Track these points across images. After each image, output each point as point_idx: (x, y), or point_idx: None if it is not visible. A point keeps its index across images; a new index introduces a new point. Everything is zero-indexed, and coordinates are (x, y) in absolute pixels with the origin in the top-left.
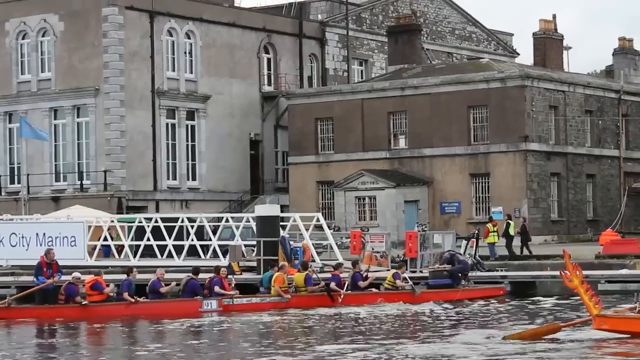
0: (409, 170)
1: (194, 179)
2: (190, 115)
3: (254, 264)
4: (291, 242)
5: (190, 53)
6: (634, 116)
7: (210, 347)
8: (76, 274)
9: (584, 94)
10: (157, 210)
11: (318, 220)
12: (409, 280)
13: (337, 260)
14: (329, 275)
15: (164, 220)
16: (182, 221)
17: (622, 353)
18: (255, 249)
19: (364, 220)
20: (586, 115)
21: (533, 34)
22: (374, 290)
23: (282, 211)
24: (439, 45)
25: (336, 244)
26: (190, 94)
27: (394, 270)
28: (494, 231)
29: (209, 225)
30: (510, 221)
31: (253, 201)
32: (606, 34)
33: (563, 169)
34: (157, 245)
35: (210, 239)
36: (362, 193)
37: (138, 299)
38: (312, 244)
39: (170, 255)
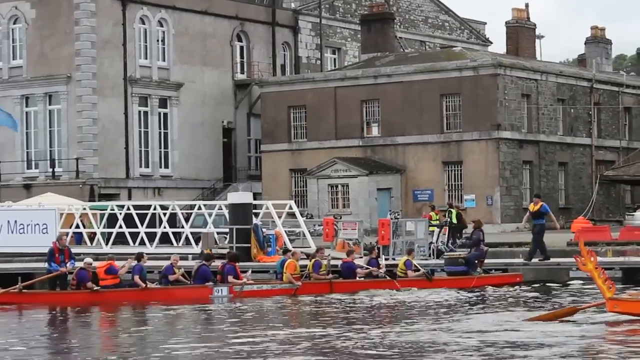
0: (381, 158)
1: (166, 166)
2: (163, 103)
3: (227, 251)
4: (264, 230)
5: (163, 41)
6: (605, 105)
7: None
8: (88, 260)
9: (556, 83)
10: (130, 198)
11: (291, 207)
12: (420, 268)
13: (310, 247)
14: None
15: (136, 207)
16: (155, 209)
17: (632, 331)
18: (227, 237)
19: (337, 207)
20: (558, 104)
21: (506, 22)
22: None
23: (254, 199)
24: (412, 33)
25: (309, 231)
26: (163, 82)
27: (405, 258)
28: (436, 219)
29: (182, 213)
30: (452, 209)
31: (226, 189)
32: (578, 23)
33: (535, 157)
34: (129, 233)
35: (182, 227)
36: (334, 181)
37: (150, 284)
38: (285, 232)
39: (142, 243)
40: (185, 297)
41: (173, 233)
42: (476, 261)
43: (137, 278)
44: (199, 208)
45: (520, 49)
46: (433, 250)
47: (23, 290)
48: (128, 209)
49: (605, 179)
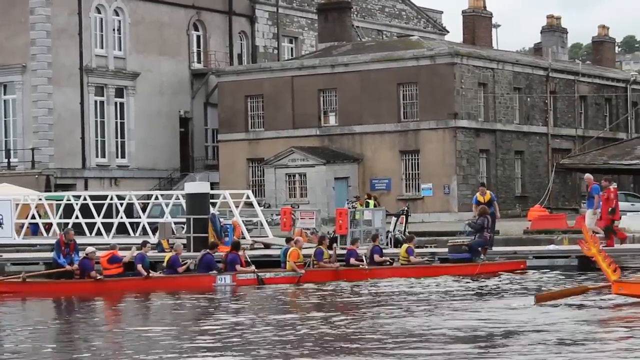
0: (339, 147)
1: (123, 156)
2: (119, 92)
3: (184, 241)
4: (221, 220)
5: (119, 30)
6: (561, 93)
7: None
8: (90, 248)
9: (513, 72)
10: (86, 188)
11: (248, 197)
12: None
13: (267, 237)
14: (344, 251)
15: (92, 198)
16: (111, 199)
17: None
18: (185, 227)
19: (294, 197)
20: (515, 93)
21: (462, 11)
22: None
23: (212, 188)
24: (369, 22)
25: (266, 221)
26: (119, 72)
27: (406, 245)
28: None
29: (138, 203)
30: (369, 200)
31: (183, 179)
32: (535, 12)
33: (492, 145)
34: (85, 223)
35: (139, 217)
36: (292, 170)
37: (153, 272)
38: (242, 221)
39: (99, 233)
40: (189, 285)
41: (130, 223)
42: (480, 248)
43: (139, 267)
44: (156, 198)
45: (476, 38)
46: (390, 239)
47: (27, 280)
48: (84, 199)
49: (561, 168)
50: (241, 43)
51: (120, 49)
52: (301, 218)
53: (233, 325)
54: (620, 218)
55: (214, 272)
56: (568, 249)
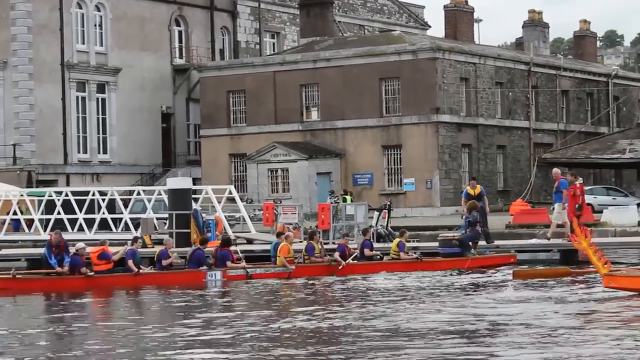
0: (321, 143)
1: (104, 152)
2: (101, 88)
3: (167, 237)
4: (203, 215)
5: (100, 25)
6: (543, 88)
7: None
8: (80, 245)
9: (495, 66)
10: (68, 184)
11: (230, 192)
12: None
13: (250, 232)
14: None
15: (74, 193)
16: (93, 194)
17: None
18: (167, 222)
19: (277, 192)
20: (496, 87)
21: (444, 6)
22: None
23: (194, 184)
24: (351, 17)
25: (249, 216)
26: (101, 67)
27: (398, 240)
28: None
29: (121, 199)
30: (346, 196)
31: (165, 174)
32: (516, 7)
33: (474, 140)
34: (67, 219)
35: (121, 213)
36: (274, 165)
37: (144, 268)
38: (225, 217)
39: (81, 229)
40: (179, 281)
41: (112, 219)
42: (470, 242)
43: (130, 262)
44: (138, 194)
45: (458, 33)
46: (373, 234)
47: (17, 276)
48: (66, 195)
49: (543, 162)
50: (223, 38)
51: (101, 45)
52: (283, 213)
53: (212, 321)
54: (586, 213)
55: (204, 267)
56: (550, 242)
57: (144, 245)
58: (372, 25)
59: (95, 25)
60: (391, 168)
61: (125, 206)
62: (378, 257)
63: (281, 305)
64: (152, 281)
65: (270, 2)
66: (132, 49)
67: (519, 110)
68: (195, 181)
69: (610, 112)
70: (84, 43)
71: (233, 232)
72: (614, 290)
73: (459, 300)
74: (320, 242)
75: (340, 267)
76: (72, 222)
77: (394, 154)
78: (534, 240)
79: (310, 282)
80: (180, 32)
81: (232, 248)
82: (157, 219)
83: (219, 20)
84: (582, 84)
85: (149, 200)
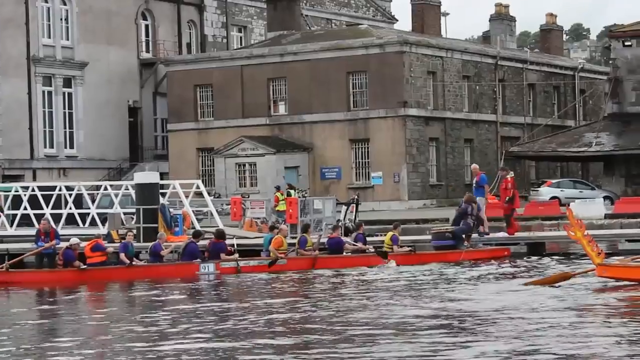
0: (289, 137)
1: (71, 147)
2: (67, 82)
3: (134, 231)
4: (171, 210)
5: (67, 19)
6: (510, 81)
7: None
8: (74, 239)
9: (462, 60)
10: (35, 179)
11: (198, 187)
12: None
13: (218, 226)
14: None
15: (41, 189)
16: (60, 190)
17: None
18: (134, 217)
19: (244, 186)
20: (464, 81)
21: (411, 0)
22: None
23: (161, 178)
24: (318, 11)
25: (216, 210)
26: (67, 61)
27: (391, 233)
28: (283, 200)
29: (88, 194)
30: (290, 190)
31: (132, 169)
32: (483, 1)
33: (441, 133)
34: (34, 214)
35: (88, 208)
36: (242, 160)
37: (138, 261)
38: (192, 211)
39: None
40: (172, 274)
41: (79, 214)
42: (463, 235)
43: (122, 255)
44: (105, 188)
45: (425, 27)
46: (341, 227)
47: (10, 270)
48: (33, 190)
49: (511, 155)
50: (190, 32)
51: (67, 39)
52: (251, 207)
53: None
54: (519, 206)
55: (198, 260)
56: (517, 236)
57: (111, 241)
58: (339, 19)
59: (61, 19)
60: (359, 162)
61: (93, 201)
62: (370, 250)
63: (239, 298)
64: (145, 274)
65: None
66: (98, 43)
67: (486, 104)
68: (162, 176)
69: (577, 106)
70: (50, 37)
71: (201, 226)
72: (606, 279)
73: (451, 292)
74: (319, 236)
75: (315, 255)
76: (39, 217)
77: (362, 148)
78: (501, 234)
79: (301, 275)
80: (147, 26)
81: (228, 242)
82: (125, 213)
83: (186, 14)
84: (549, 77)
85: (116, 195)
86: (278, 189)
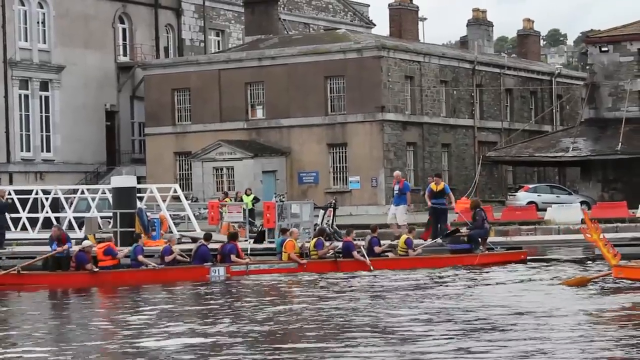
0: (266, 141)
1: (48, 150)
2: (44, 86)
3: (111, 235)
4: (148, 214)
5: (44, 23)
6: (487, 86)
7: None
8: (87, 242)
9: (439, 65)
10: (11, 183)
11: (175, 191)
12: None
13: (195, 231)
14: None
15: (17, 192)
16: (37, 193)
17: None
18: (111, 221)
19: (222, 190)
20: (441, 86)
21: (389, 5)
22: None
23: (138, 182)
24: (296, 15)
25: (194, 214)
26: (44, 65)
27: (405, 236)
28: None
29: (64, 197)
30: (247, 195)
31: (109, 172)
32: (461, 6)
33: (419, 138)
34: (10, 218)
35: (65, 211)
36: (219, 164)
37: (156, 265)
38: (170, 215)
39: (24, 228)
40: (183, 277)
41: (56, 218)
42: (479, 239)
43: (141, 257)
44: (82, 192)
45: (403, 31)
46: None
47: (22, 272)
48: (9, 193)
49: (488, 160)
50: (167, 36)
51: (44, 42)
52: (229, 212)
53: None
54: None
55: (209, 263)
56: (494, 240)
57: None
58: (317, 23)
59: (38, 22)
60: (336, 166)
61: (69, 205)
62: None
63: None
64: (156, 277)
65: (215, 0)
66: (75, 46)
67: (463, 109)
68: (139, 179)
69: (554, 111)
70: (26, 40)
71: (178, 231)
72: (623, 280)
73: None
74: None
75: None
76: (15, 221)
77: (340, 152)
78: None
79: (322, 278)
80: (124, 30)
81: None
82: (102, 217)
83: (164, 18)
84: (526, 82)
85: (93, 199)
86: (226, 195)
